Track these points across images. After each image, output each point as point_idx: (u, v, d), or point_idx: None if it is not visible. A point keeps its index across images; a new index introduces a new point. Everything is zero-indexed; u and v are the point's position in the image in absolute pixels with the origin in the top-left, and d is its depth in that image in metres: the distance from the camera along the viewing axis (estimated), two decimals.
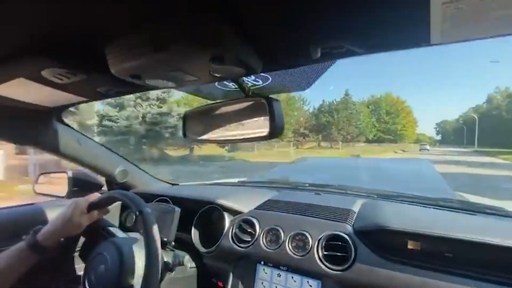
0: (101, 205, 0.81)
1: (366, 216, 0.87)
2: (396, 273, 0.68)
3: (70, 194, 1.22)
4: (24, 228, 1.01)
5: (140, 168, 1.38)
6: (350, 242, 0.77)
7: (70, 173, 1.25)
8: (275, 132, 0.48)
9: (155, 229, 0.69)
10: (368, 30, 0.38)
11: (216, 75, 0.44)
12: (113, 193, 0.80)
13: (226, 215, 1.02)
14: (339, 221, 0.85)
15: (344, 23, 0.37)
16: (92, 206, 0.80)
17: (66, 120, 1.01)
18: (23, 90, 0.59)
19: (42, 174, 1.34)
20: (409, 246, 0.71)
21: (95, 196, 0.81)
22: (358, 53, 0.41)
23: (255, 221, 0.95)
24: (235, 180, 1.70)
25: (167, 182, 1.52)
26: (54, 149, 1.02)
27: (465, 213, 0.88)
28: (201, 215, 1.07)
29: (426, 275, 0.65)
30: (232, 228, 0.97)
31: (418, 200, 1.02)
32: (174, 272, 0.88)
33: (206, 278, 1.02)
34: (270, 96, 0.50)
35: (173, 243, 0.98)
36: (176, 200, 1.13)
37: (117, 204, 1.29)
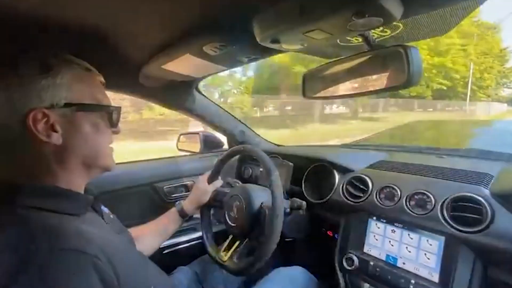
0: (216, 176, 1.04)
1: (508, 179, 0.75)
2: None
3: (202, 150, 1.54)
4: (179, 173, 1.38)
5: (252, 130, 1.58)
6: (485, 204, 0.70)
7: (201, 134, 1.55)
8: (413, 80, 0.48)
9: (279, 181, 0.82)
10: None
11: (352, 29, 0.47)
12: (245, 147, 0.98)
13: (335, 172, 1.07)
14: (471, 183, 0.77)
15: None
16: (210, 178, 1.02)
17: (200, 89, 1.25)
18: (185, 64, 0.78)
19: (181, 134, 1.72)
20: None
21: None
22: None
23: (367, 179, 0.96)
24: (338, 143, 1.71)
25: (274, 143, 1.68)
26: (193, 113, 1.29)
27: None
28: (311, 170, 1.15)
29: None
30: (343, 184, 1.01)
31: None
32: (290, 216, 1.02)
33: (317, 227, 1.13)
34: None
35: (286, 193, 1.12)
36: (286, 157, 1.26)
37: (235, 160, 1.54)
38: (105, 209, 0.66)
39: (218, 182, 1.04)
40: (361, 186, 0.96)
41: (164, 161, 1.44)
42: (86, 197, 0.54)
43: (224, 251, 0.95)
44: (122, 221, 0.72)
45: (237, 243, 0.95)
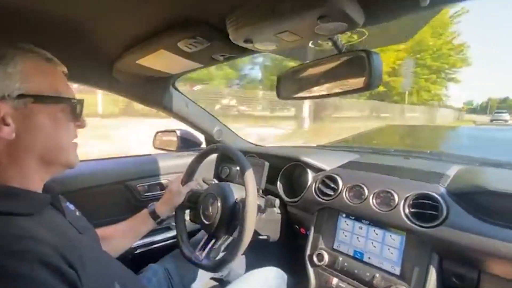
0: (191, 177, 1.03)
1: (463, 179, 0.82)
2: (495, 235, 0.65)
3: (179, 148, 1.52)
4: (154, 171, 1.35)
5: (230, 129, 1.59)
6: (441, 201, 0.76)
7: (178, 132, 1.53)
8: (373, 83, 0.51)
9: (253, 178, 0.84)
10: None
11: (319, 33, 0.49)
12: (220, 146, 0.98)
13: (309, 171, 1.11)
14: (430, 182, 0.83)
15: None
16: (184, 179, 1.01)
17: (177, 86, 1.24)
18: (160, 60, 0.77)
19: (158, 132, 1.69)
20: None
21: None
22: None
23: (337, 177, 1.00)
24: (314, 144, 1.76)
25: (251, 143, 1.70)
26: (169, 110, 1.27)
27: None
28: (285, 170, 1.18)
29: None
30: (315, 183, 1.05)
31: None
32: (264, 214, 1.04)
33: (290, 225, 1.16)
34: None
35: (261, 191, 1.14)
36: (263, 157, 1.28)
37: (212, 160, 1.54)
38: (71, 207, 0.64)
39: (193, 183, 1.04)
40: (332, 185, 1.00)
41: (139, 159, 1.41)
42: (42, 196, 0.51)
43: (200, 250, 0.95)
44: (92, 220, 0.69)
45: (213, 241, 0.95)
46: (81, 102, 0.53)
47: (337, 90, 0.59)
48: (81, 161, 0.59)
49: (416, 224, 0.77)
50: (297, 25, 0.48)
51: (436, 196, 0.77)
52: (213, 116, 1.47)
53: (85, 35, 0.67)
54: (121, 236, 0.87)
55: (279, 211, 1.13)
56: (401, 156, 1.17)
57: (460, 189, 0.77)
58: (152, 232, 1.16)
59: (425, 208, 0.78)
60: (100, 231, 0.73)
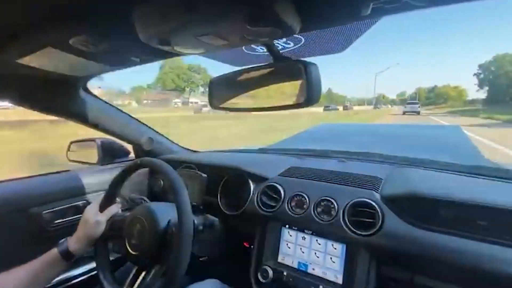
0: (111, 200, 0.86)
1: (393, 183, 0.86)
2: (425, 239, 0.68)
3: (101, 161, 1.29)
4: (68, 193, 1.10)
5: (163, 136, 1.42)
6: (377, 208, 0.77)
7: (98, 141, 1.30)
8: (313, 98, 0.46)
9: (186, 195, 0.72)
10: None
11: (249, 38, 0.41)
12: (144, 160, 0.83)
13: (250, 181, 1.04)
14: (365, 188, 0.85)
15: None
16: (103, 204, 0.84)
17: (91, 90, 1.02)
18: (52, 60, 0.59)
19: (72, 142, 1.40)
20: (441, 213, 0.71)
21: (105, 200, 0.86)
22: (417, 7, 0.35)
23: (279, 187, 0.96)
24: (255, 147, 1.71)
25: (189, 149, 1.56)
26: (82, 119, 1.05)
27: (501, 180, 0.84)
28: (226, 181, 1.10)
29: (457, 242, 0.65)
30: (258, 194, 0.99)
31: (450, 167, 0.99)
32: (204, 233, 0.93)
33: (234, 239, 1.08)
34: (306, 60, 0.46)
35: (201, 207, 1.03)
36: (201, 167, 1.17)
37: (146, 170, 1.35)
38: None
39: (114, 208, 0.86)
40: (274, 195, 0.96)
41: (45, 178, 1.13)
42: None
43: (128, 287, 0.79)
44: None
45: (143, 274, 0.81)
46: None
47: (275, 104, 0.53)
48: None
49: (355, 233, 0.77)
50: (221, 27, 0.39)
51: (372, 203, 0.79)
52: (141, 122, 1.28)
53: None
54: (18, 287, 0.66)
55: (221, 228, 1.04)
56: (337, 159, 1.20)
57: (392, 195, 0.80)
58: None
59: (363, 216, 0.79)
60: None
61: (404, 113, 25.50)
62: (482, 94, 58.92)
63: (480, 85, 58.18)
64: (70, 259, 0.75)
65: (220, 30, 0.40)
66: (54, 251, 0.74)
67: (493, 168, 0.93)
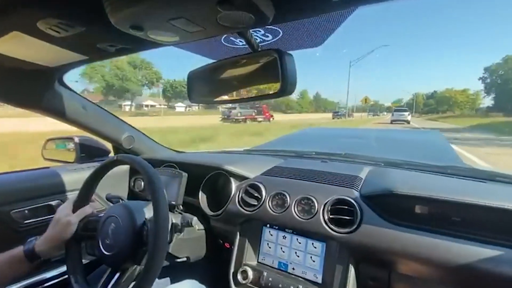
0: (85, 200, 0.82)
1: (373, 182, 0.87)
2: (402, 236, 0.69)
3: (79, 160, 1.24)
4: (41, 191, 1.05)
5: (146, 135, 1.38)
6: (356, 206, 0.78)
7: (76, 139, 1.25)
8: (287, 89, 0.45)
9: (162, 191, 0.70)
10: None
11: (224, 24, 0.41)
12: (120, 156, 0.80)
13: (232, 180, 1.03)
14: (345, 187, 0.85)
15: None
16: (77, 203, 0.80)
17: (68, 84, 0.99)
18: (20, 46, 0.56)
19: (49, 140, 1.35)
20: (417, 210, 0.71)
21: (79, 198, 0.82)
22: None
23: (261, 186, 0.95)
24: (241, 148, 1.70)
25: (173, 150, 1.53)
26: (58, 114, 1.00)
27: (474, 180, 0.86)
28: (208, 180, 1.08)
29: (433, 238, 0.66)
30: (239, 193, 0.98)
31: (427, 168, 1.01)
32: (182, 233, 0.90)
33: (214, 240, 1.05)
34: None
35: (181, 206, 1.00)
36: (183, 166, 1.14)
37: (126, 169, 1.31)
38: None
39: (88, 208, 0.81)
40: (256, 194, 0.94)
41: (15, 175, 1.07)
42: None
43: None
44: None
45: (117, 276, 0.77)
46: None
47: (252, 95, 0.52)
48: None
49: (334, 231, 0.77)
50: (193, 10, 0.38)
51: (351, 201, 0.79)
52: (121, 120, 1.24)
53: None
54: None
55: (201, 227, 1.02)
56: (320, 160, 1.20)
57: (371, 192, 0.80)
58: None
59: (342, 214, 0.79)
60: None
61: (391, 122, 23.85)
62: (489, 101, 51.32)
63: (487, 91, 49.61)
64: (35, 261, 0.70)
65: (192, 12, 0.39)
66: (18, 250, 0.69)
67: (466, 168, 0.96)
